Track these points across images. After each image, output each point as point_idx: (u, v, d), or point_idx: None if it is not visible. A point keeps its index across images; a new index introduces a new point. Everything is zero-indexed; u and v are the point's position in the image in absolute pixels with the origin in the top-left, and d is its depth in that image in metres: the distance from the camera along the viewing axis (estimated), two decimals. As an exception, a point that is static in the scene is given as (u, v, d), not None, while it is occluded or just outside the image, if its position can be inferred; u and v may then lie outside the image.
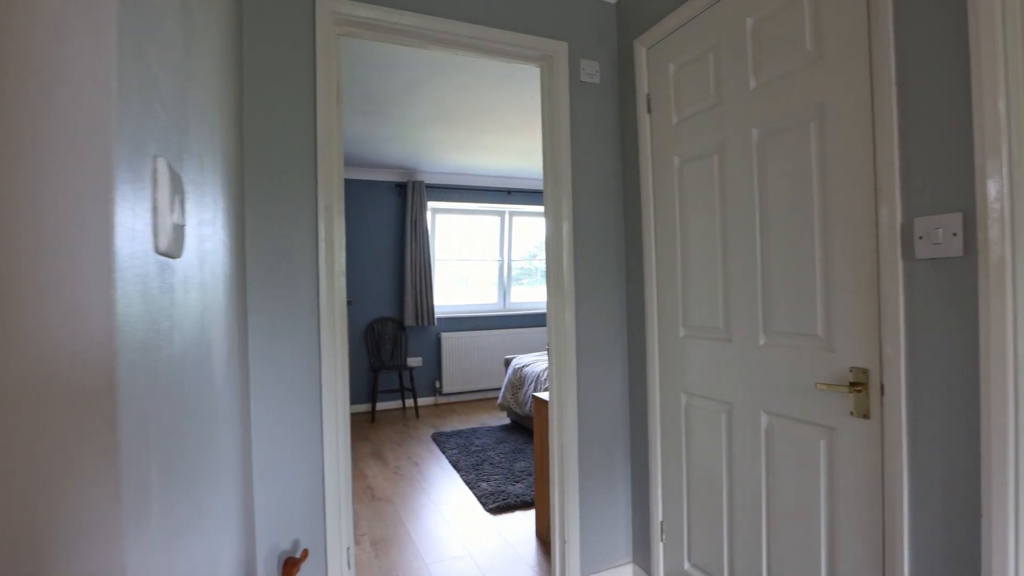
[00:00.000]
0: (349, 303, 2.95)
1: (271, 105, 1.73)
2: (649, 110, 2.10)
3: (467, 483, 3.43)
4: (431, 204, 5.96)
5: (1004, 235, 1.06)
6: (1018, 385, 1.05)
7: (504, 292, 6.37)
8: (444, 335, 5.87)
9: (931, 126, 1.18)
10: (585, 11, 2.23)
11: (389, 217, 5.77)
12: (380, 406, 5.69)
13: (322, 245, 1.77)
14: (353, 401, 5.57)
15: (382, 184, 5.73)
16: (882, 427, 1.30)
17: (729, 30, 1.71)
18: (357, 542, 2.67)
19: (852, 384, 1.35)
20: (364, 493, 3.34)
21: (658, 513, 2.09)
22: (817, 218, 1.45)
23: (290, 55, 1.75)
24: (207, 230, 0.88)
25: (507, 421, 5.05)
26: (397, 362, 5.74)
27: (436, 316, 5.91)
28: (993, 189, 1.07)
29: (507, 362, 5.08)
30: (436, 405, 5.86)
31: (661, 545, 2.08)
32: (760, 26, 1.61)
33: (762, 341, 1.63)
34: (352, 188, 5.62)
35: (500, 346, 6.13)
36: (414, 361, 5.81)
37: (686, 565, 1.96)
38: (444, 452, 4.09)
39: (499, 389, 6.14)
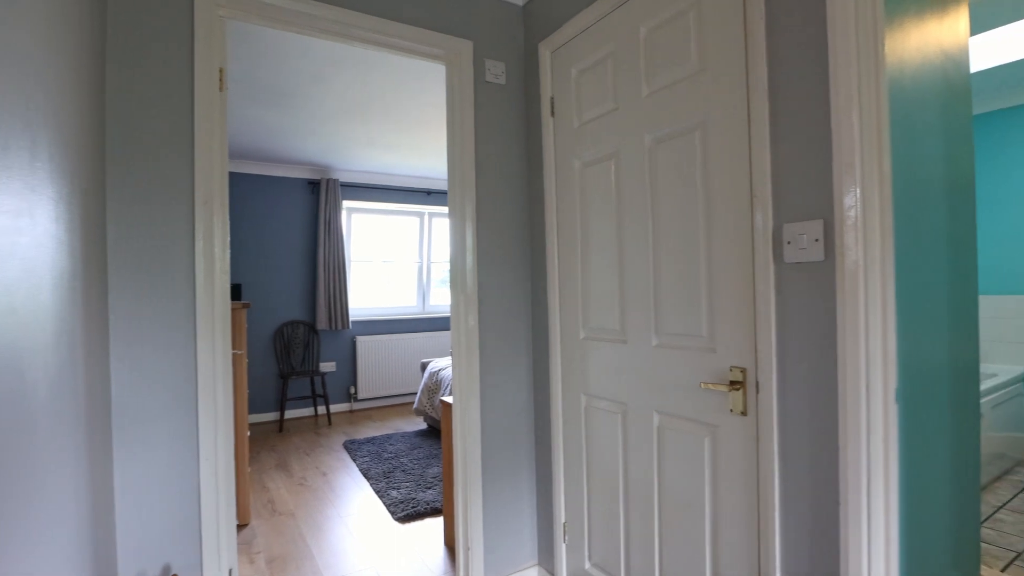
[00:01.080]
0: (245, 305, 2.78)
1: (140, 90, 1.57)
2: (553, 113, 2.11)
3: (377, 492, 3.31)
4: (346, 203, 5.75)
5: (858, 241, 1.13)
6: (870, 382, 1.13)
7: (423, 294, 6.25)
8: (359, 339, 5.67)
9: (797, 137, 1.25)
10: (491, 11, 2.21)
11: (301, 216, 5.50)
12: (289, 414, 5.41)
13: (199, 244, 1.63)
14: (260, 410, 5.25)
15: (293, 181, 5.46)
16: (757, 423, 1.36)
17: (625, 38, 1.75)
18: (251, 560, 2.50)
19: (732, 383, 1.40)
20: (264, 508, 3.14)
21: (561, 514, 2.09)
22: (702, 222, 1.51)
23: (164, 35, 1.60)
24: (18, 221, 0.76)
25: (423, 426, 4.94)
26: (308, 368, 5.48)
27: (351, 319, 5.70)
28: (848, 198, 1.14)
29: (424, 366, 4.98)
30: (351, 412, 5.65)
31: (564, 546, 2.09)
32: (652, 35, 1.65)
33: (654, 342, 1.67)
34: (260, 184, 5.30)
35: (419, 349, 6.00)
36: (327, 366, 5.57)
37: (587, 565, 1.98)
38: (355, 460, 3.93)
39: (416, 394, 6.02)
